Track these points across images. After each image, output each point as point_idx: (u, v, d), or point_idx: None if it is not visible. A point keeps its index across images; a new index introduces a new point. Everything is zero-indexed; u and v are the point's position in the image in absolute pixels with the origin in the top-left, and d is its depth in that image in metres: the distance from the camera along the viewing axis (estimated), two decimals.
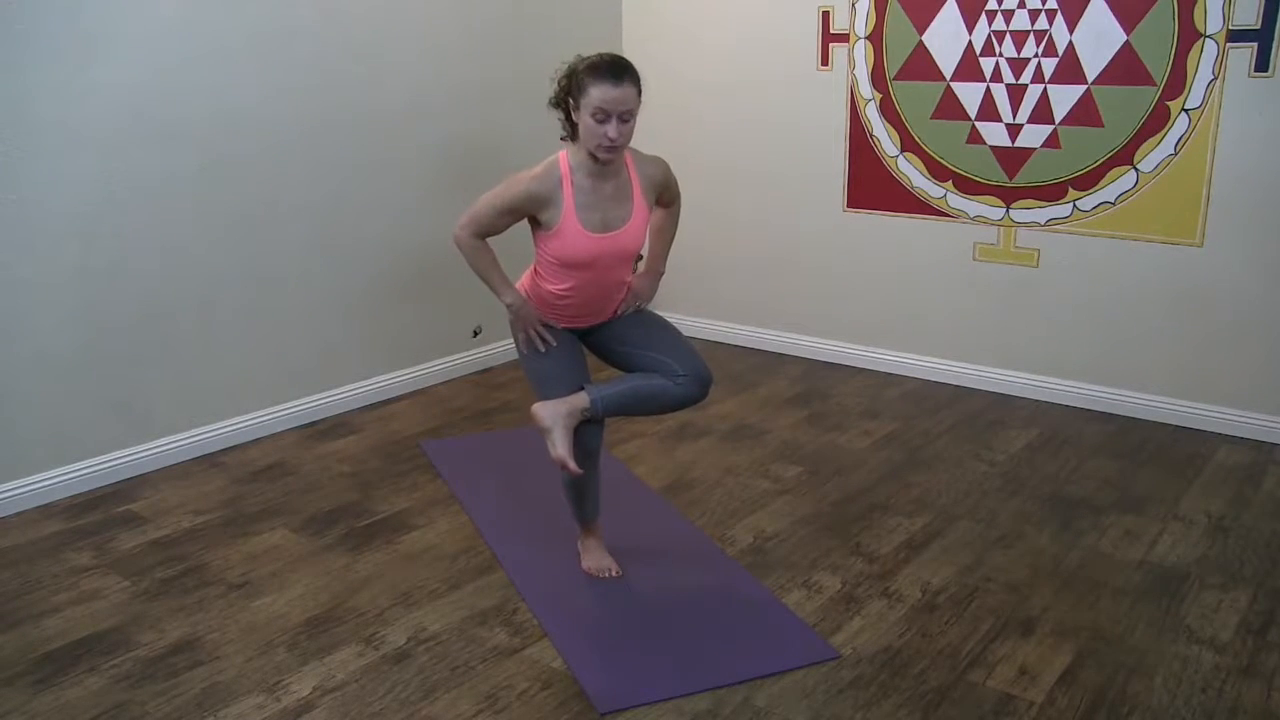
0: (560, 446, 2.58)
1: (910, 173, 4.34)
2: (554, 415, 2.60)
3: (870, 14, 4.29)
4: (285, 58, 3.74)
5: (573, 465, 2.59)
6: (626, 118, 2.49)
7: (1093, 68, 3.84)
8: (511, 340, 2.87)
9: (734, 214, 4.88)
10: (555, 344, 2.72)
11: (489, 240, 2.68)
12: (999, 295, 4.25)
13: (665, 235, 2.92)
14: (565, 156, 2.61)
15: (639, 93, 2.52)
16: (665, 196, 2.84)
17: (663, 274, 2.95)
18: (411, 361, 4.41)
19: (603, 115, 2.46)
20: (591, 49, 4.82)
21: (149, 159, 3.43)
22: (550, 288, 2.68)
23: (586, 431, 2.67)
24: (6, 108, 3.10)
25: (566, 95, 2.57)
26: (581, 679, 2.40)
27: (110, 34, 3.28)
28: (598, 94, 2.45)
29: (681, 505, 3.30)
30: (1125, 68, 3.78)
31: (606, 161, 2.54)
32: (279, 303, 3.88)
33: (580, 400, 2.63)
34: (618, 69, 2.48)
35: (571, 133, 2.62)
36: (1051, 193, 4.04)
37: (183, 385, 3.64)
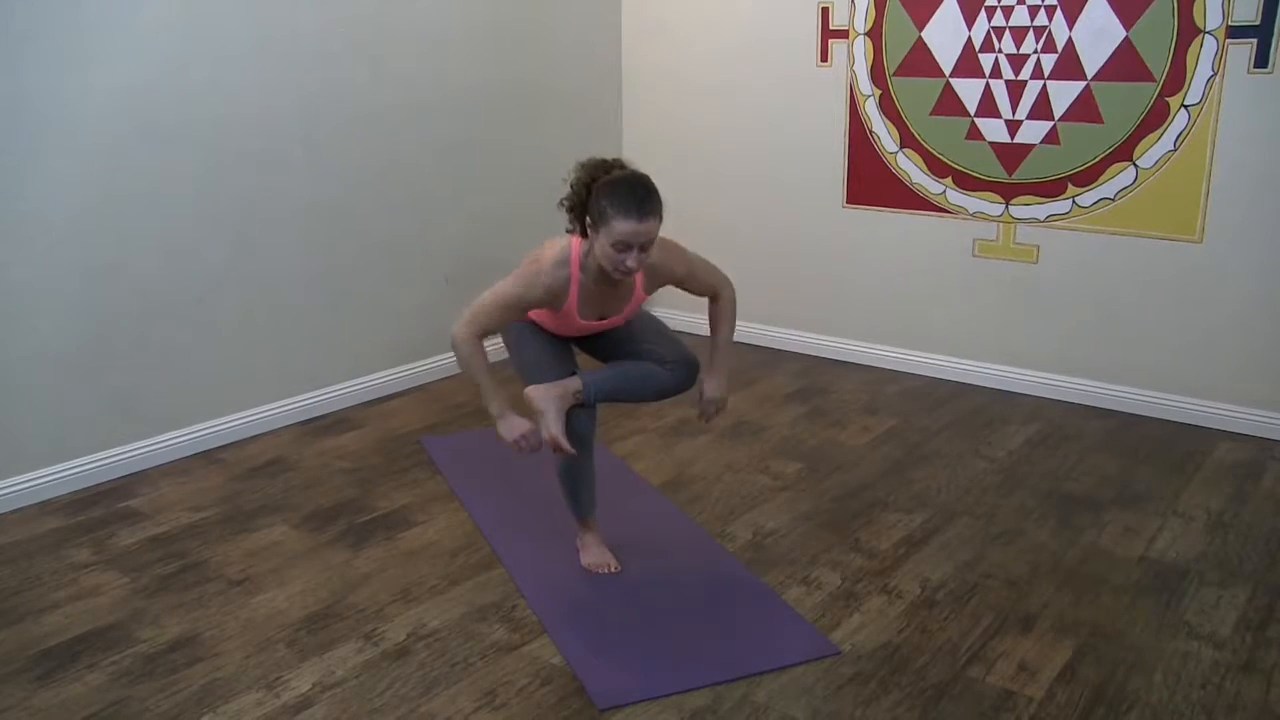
0: (553, 426, 2.61)
1: (910, 169, 4.34)
2: (546, 397, 2.62)
3: (870, 10, 4.29)
4: (285, 56, 3.73)
5: (565, 445, 2.61)
6: (647, 246, 2.45)
7: (1092, 64, 3.84)
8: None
9: (733, 210, 4.88)
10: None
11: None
12: (998, 291, 4.25)
13: (723, 329, 2.80)
14: (577, 254, 2.55)
15: (661, 219, 2.45)
16: (694, 286, 2.76)
17: (730, 368, 2.84)
18: (411, 358, 4.41)
19: (624, 246, 2.41)
20: (592, 47, 4.90)
21: (148, 157, 3.43)
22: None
23: (578, 416, 2.68)
24: (6, 106, 3.09)
25: (583, 209, 2.49)
26: (581, 675, 2.40)
27: (110, 33, 3.27)
28: (621, 227, 2.38)
29: (681, 502, 3.30)
30: (1125, 64, 3.78)
31: (619, 282, 2.53)
32: (278, 299, 3.88)
33: (573, 383, 2.66)
34: (644, 205, 2.40)
35: (581, 232, 2.54)
36: (1051, 189, 4.04)
37: (182, 381, 3.64)
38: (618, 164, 2.52)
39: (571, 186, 2.50)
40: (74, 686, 2.39)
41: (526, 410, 2.66)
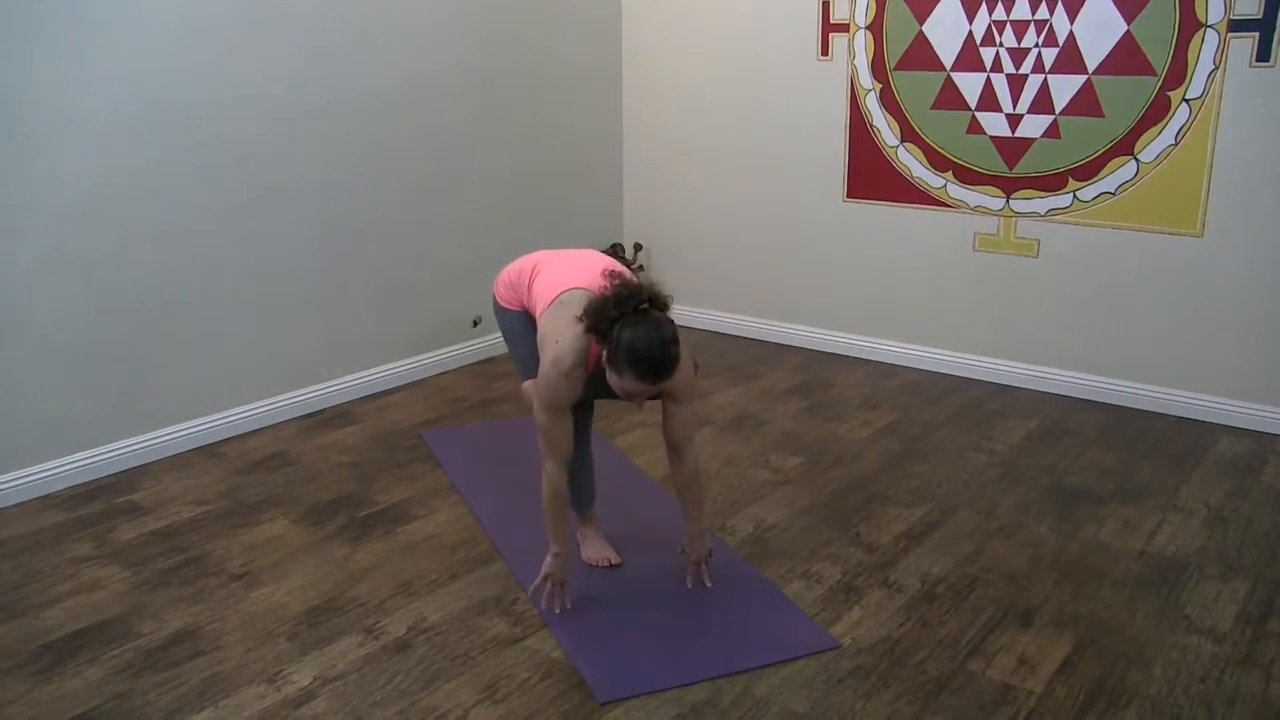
0: None
1: (910, 163, 4.34)
2: None
3: (870, 4, 4.28)
4: (286, 44, 3.73)
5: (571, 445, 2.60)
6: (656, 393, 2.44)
7: (1093, 57, 3.84)
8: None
9: (734, 204, 4.87)
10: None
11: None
12: (999, 285, 4.25)
13: (693, 505, 2.70)
14: (595, 359, 2.48)
15: (674, 372, 2.39)
16: (672, 411, 2.60)
17: (707, 529, 2.78)
18: (411, 352, 4.41)
19: (633, 394, 2.40)
20: (592, 38, 4.88)
21: (149, 147, 3.43)
22: None
23: (576, 411, 2.67)
24: (6, 95, 3.09)
25: (602, 339, 2.39)
26: (581, 669, 2.40)
27: (109, 20, 3.27)
28: (633, 385, 2.36)
29: None
30: (1126, 57, 3.77)
31: None
32: (279, 293, 3.88)
33: None
34: (659, 373, 2.34)
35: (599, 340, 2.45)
36: (1052, 183, 4.03)
37: (183, 375, 3.64)
38: (649, 296, 2.41)
39: (596, 309, 2.39)
40: (75, 681, 2.39)
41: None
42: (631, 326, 2.34)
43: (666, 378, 2.38)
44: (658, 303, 2.43)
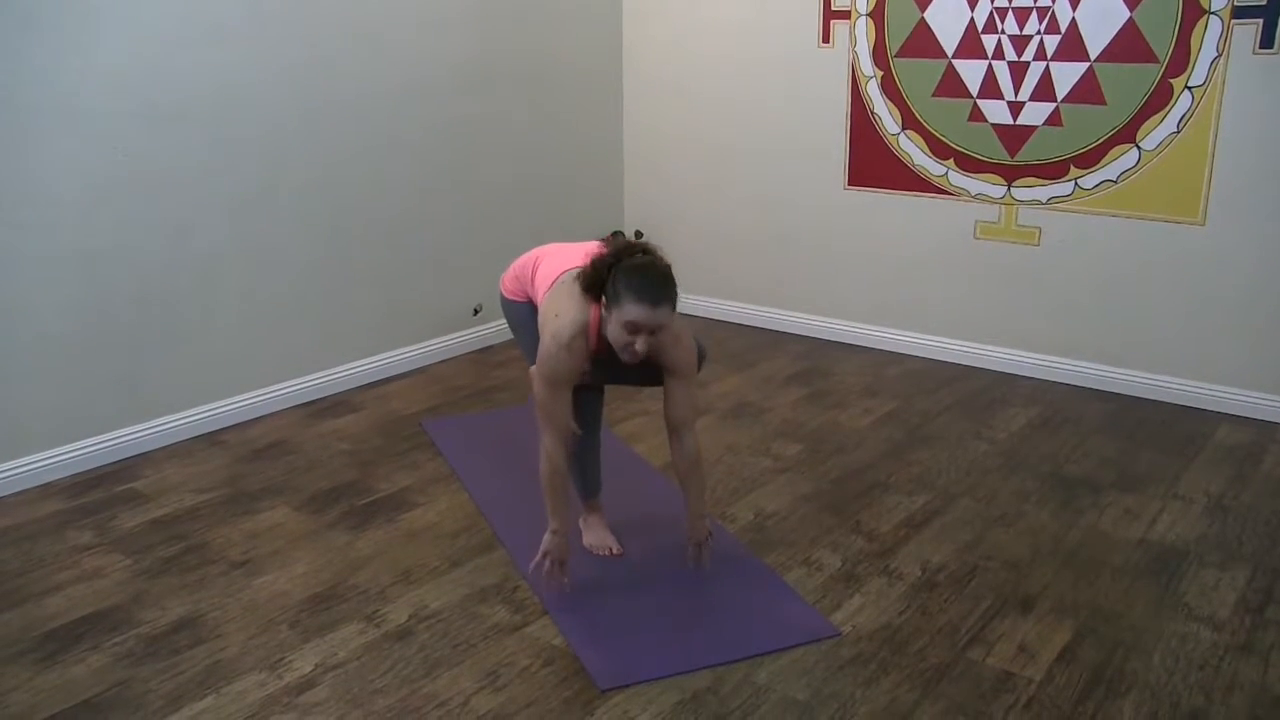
0: None
1: (911, 150, 4.33)
2: None
3: None
4: (286, 36, 3.71)
5: (573, 424, 2.61)
6: (656, 331, 2.44)
7: (1095, 45, 3.82)
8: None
9: (735, 192, 4.86)
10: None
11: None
12: (1000, 273, 4.25)
13: (693, 477, 2.70)
14: (595, 324, 2.51)
15: (674, 309, 2.45)
16: (673, 389, 2.62)
17: (706, 515, 2.78)
18: (412, 340, 4.41)
19: (634, 329, 2.41)
20: (592, 26, 4.86)
21: (149, 138, 3.42)
22: None
23: (585, 398, 2.68)
24: (7, 87, 3.08)
25: (600, 288, 2.48)
26: (582, 656, 2.41)
27: (110, 13, 3.26)
28: (633, 311, 2.38)
29: None
30: (1128, 45, 3.76)
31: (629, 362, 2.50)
32: (279, 281, 3.88)
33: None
34: (658, 293, 2.40)
35: (596, 300, 2.51)
36: (1053, 171, 4.03)
37: (183, 364, 3.64)
38: (643, 248, 2.51)
39: (594, 264, 2.48)
40: (77, 668, 2.40)
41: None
42: (628, 266, 2.43)
43: (666, 305, 2.41)
44: (651, 253, 2.51)
